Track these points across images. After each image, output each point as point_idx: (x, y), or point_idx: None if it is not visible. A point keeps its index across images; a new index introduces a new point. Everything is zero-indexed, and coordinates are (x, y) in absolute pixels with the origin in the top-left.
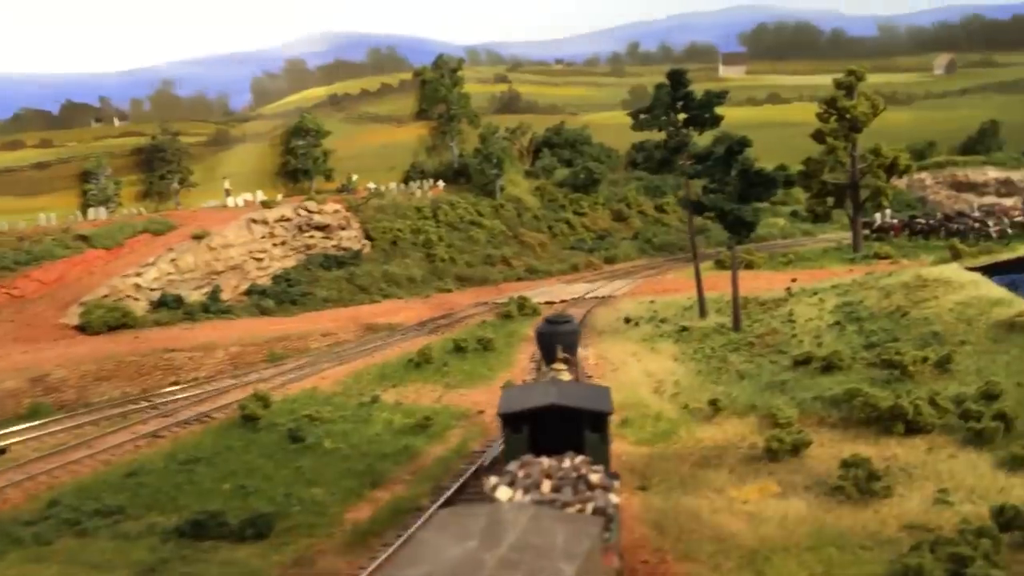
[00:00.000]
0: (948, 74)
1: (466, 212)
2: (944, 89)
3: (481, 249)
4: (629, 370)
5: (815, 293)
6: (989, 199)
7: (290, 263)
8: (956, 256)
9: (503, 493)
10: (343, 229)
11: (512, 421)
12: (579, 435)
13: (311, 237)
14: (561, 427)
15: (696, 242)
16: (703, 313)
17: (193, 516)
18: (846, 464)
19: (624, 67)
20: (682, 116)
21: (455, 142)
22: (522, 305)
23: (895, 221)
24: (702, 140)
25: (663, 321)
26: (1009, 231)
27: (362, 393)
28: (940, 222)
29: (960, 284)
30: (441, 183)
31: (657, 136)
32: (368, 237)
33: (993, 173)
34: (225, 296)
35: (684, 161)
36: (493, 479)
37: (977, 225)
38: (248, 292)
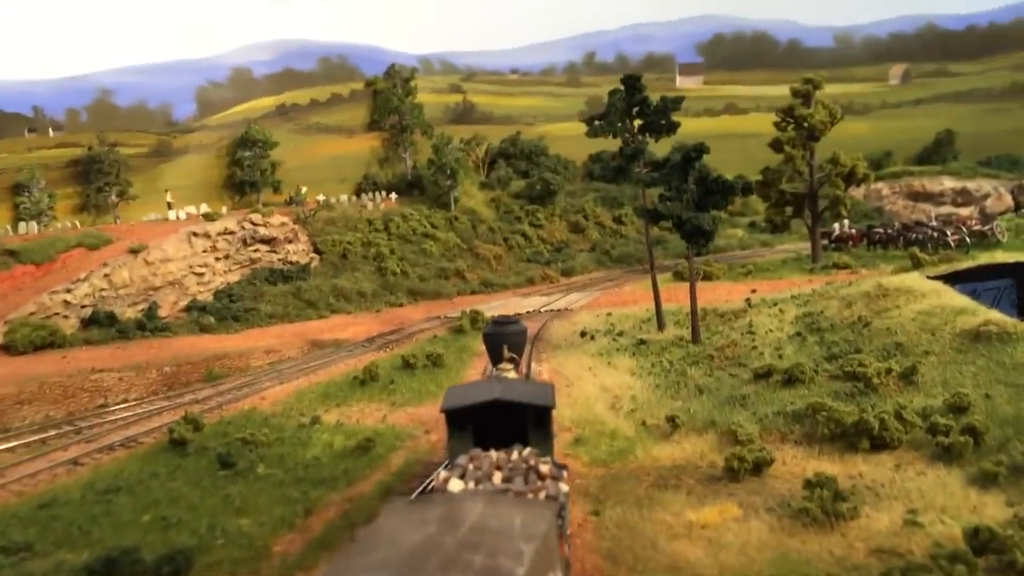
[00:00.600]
0: (903, 84)
1: (419, 224)
2: (899, 99)
3: (434, 262)
4: (585, 385)
5: (775, 304)
6: (946, 209)
7: (233, 278)
8: (917, 265)
9: (455, 486)
10: (290, 242)
11: (456, 417)
12: (523, 430)
13: (256, 251)
14: (505, 423)
15: (654, 253)
16: (661, 326)
17: (106, 553)
18: (810, 484)
19: (580, 77)
20: (637, 122)
21: (408, 153)
22: (475, 319)
23: (853, 231)
24: (661, 150)
25: (620, 334)
26: (968, 240)
27: (303, 413)
28: (899, 232)
29: (922, 293)
30: (394, 195)
31: (613, 145)
32: (317, 251)
33: (949, 183)
34: (163, 313)
35: (640, 169)
36: (443, 473)
37: (936, 235)
38: (188, 308)
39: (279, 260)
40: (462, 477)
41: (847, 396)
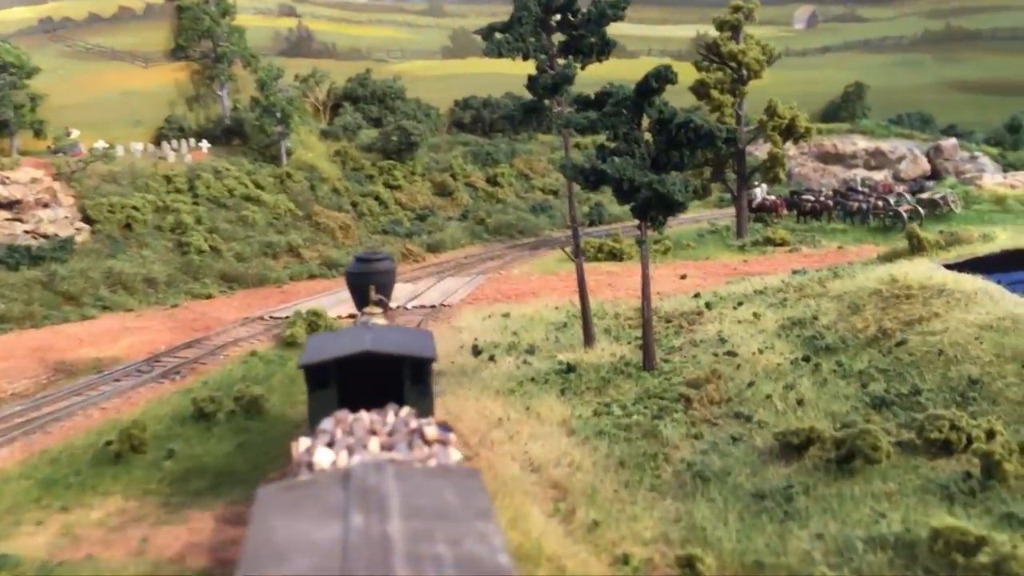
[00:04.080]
0: (809, 28)
1: (238, 183)
2: (804, 46)
3: (259, 235)
4: (498, 459)
5: (739, 303)
6: (859, 172)
7: None
8: (917, 248)
9: (323, 456)
10: (45, 207)
11: (317, 374)
12: (398, 387)
13: None
14: (376, 379)
15: (539, 224)
16: (590, 339)
17: None
18: None
19: (443, 6)
20: (559, 38)
21: (226, 91)
22: (314, 324)
23: (774, 198)
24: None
25: (531, 351)
26: (922, 211)
27: None
28: (835, 200)
29: (964, 294)
30: (205, 144)
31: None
32: (87, 219)
33: (862, 143)
34: None
35: (563, 107)
36: (305, 441)
37: (880, 203)
38: None
39: (26, 232)
40: (330, 445)
41: (964, 495)
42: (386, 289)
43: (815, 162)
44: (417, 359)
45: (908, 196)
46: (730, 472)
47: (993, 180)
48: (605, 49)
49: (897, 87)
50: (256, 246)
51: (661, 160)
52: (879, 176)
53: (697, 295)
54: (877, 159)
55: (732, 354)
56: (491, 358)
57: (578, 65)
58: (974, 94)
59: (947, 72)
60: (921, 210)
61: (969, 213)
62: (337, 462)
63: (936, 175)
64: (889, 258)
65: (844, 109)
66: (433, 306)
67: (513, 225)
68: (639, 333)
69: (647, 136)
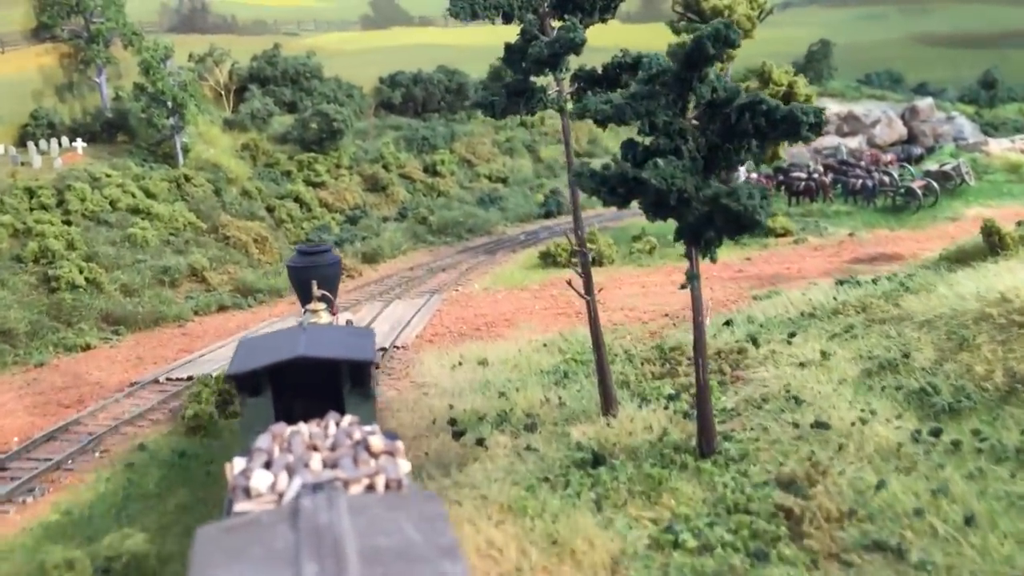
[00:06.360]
0: None
1: (123, 193)
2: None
3: (151, 259)
4: None
5: (789, 333)
6: (832, 140)
7: None
8: (997, 246)
9: (261, 480)
10: None
11: (248, 383)
12: (337, 391)
13: None
14: (314, 383)
15: (488, 221)
16: (610, 404)
17: None
18: None
19: None
20: None
21: (104, 77)
22: (227, 394)
23: (759, 176)
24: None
25: (532, 427)
26: (936, 187)
27: None
28: (833, 177)
29: None
30: (80, 143)
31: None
32: None
33: (833, 107)
34: None
35: (559, 88)
36: (240, 462)
37: (887, 179)
38: None
39: None
40: (267, 466)
41: None
42: (330, 284)
43: None
44: (356, 362)
45: (912, 168)
46: None
47: (1000, 146)
48: (611, 5)
49: (863, 44)
50: (148, 274)
51: (715, 159)
52: (853, 143)
53: (728, 322)
54: (850, 124)
55: (822, 426)
56: (479, 442)
57: (579, 24)
58: (944, 48)
59: (914, 25)
60: (935, 185)
61: (983, 185)
62: (276, 485)
63: (913, 139)
64: (957, 258)
65: (810, 70)
66: (384, 349)
67: (460, 223)
68: (669, 386)
69: (695, 125)
